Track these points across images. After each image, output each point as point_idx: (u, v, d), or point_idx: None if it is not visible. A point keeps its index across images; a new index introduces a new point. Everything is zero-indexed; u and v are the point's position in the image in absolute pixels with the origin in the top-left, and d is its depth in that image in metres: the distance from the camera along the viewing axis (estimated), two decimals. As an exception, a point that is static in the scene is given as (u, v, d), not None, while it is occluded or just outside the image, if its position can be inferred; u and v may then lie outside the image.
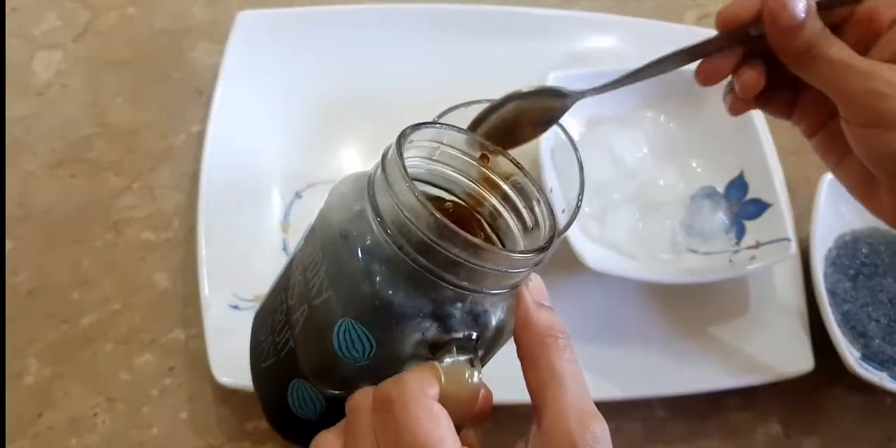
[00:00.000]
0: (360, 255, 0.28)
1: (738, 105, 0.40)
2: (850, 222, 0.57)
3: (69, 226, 0.53)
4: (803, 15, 0.34)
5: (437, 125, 0.31)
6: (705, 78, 0.39)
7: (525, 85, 0.43)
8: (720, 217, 0.54)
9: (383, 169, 0.28)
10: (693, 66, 0.56)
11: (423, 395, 0.27)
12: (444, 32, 0.59)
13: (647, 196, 0.54)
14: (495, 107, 0.42)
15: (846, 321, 0.54)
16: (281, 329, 0.33)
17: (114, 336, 0.50)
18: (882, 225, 0.56)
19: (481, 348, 0.30)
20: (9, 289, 0.51)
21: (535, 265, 0.29)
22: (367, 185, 0.28)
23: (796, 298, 0.54)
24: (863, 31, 0.36)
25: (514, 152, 0.50)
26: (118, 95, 0.57)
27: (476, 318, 0.29)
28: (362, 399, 0.29)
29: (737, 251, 0.53)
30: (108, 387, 0.49)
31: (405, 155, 0.28)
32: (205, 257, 0.50)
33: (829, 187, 0.55)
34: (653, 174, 0.55)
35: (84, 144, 0.55)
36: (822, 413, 0.54)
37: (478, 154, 0.32)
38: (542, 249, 0.28)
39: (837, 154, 0.40)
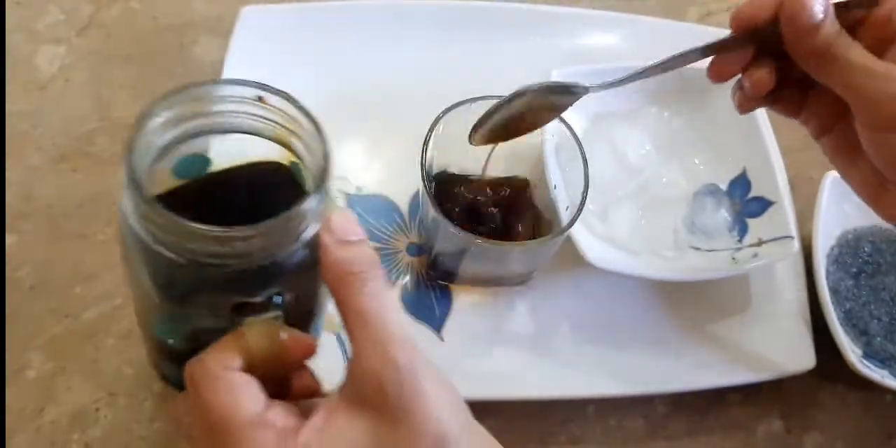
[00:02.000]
0: (131, 248, 0.30)
1: (746, 103, 0.40)
2: (853, 220, 0.57)
3: (72, 220, 0.53)
4: (821, 15, 0.34)
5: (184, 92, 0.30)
6: (716, 75, 0.39)
7: (529, 82, 0.44)
8: (723, 214, 0.54)
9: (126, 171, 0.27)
10: (699, 63, 0.57)
11: (221, 369, 0.29)
12: (448, 29, 0.59)
13: (650, 193, 0.54)
14: (503, 103, 0.42)
15: (848, 319, 0.54)
16: None
17: (116, 330, 0.50)
18: (885, 223, 0.56)
19: (296, 301, 0.31)
20: (11, 283, 0.51)
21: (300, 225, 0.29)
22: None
23: (798, 296, 0.54)
24: (879, 34, 0.35)
25: (519, 147, 0.51)
26: (121, 90, 0.57)
27: (270, 279, 0.30)
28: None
29: (739, 249, 0.53)
30: (110, 381, 0.49)
31: (169, 127, 0.29)
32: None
33: (831, 185, 0.55)
34: (656, 171, 0.55)
35: (87, 139, 0.55)
36: (823, 410, 0.54)
37: (255, 96, 0.30)
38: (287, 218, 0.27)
39: (847, 156, 0.39)
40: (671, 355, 0.52)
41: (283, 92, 0.30)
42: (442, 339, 0.51)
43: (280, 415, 0.29)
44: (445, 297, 0.52)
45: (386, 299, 0.30)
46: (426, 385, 0.29)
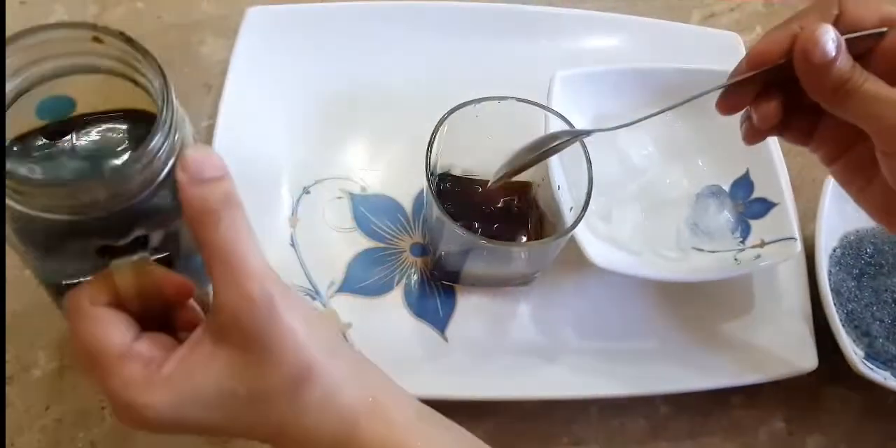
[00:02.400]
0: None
1: (754, 135, 0.40)
2: (855, 222, 0.57)
3: (77, 219, 0.53)
4: (834, 51, 0.34)
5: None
6: (726, 108, 0.39)
7: (532, 84, 0.44)
8: (726, 215, 0.54)
9: None
10: (701, 64, 0.57)
11: (88, 305, 0.31)
12: (453, 30, 0.60)
13: (653, 194, 0.55)
14: (530, 150, 0.43)
15: (850, 320, 0.54)
16: None
17: (121, 329, 0.50)
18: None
19: (166, 240, 0.32)
20: (18, 281, 0.51)
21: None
22: None
23: (800, 297, 0.55)
24: (889, 63, 0.35)
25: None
26: (127, 90, 0.57)
27: (129, 224, 0.30)
28: None
29: (742, 250, 0.53)
30: (115, 380, 0.49)
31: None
32: (213, 252, 0.50)
33: (834, 187, 0.55)
34: (659, 172, 0.55)
35: (92, 138, 0.55)
36: (825, 411, 0.54)
37: (88, 36, 0.31)
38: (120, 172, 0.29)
39: (860, 181, 0.39)
40: (673, 356, 0.52)
41: (117, 31, 0.30)
42: (445, 340, 0.51)
43: (148, 347, 0.31)
44: (449, 298, 0.52)
45: (242, 235, 0.30)
46: (285, 317, 0.30)
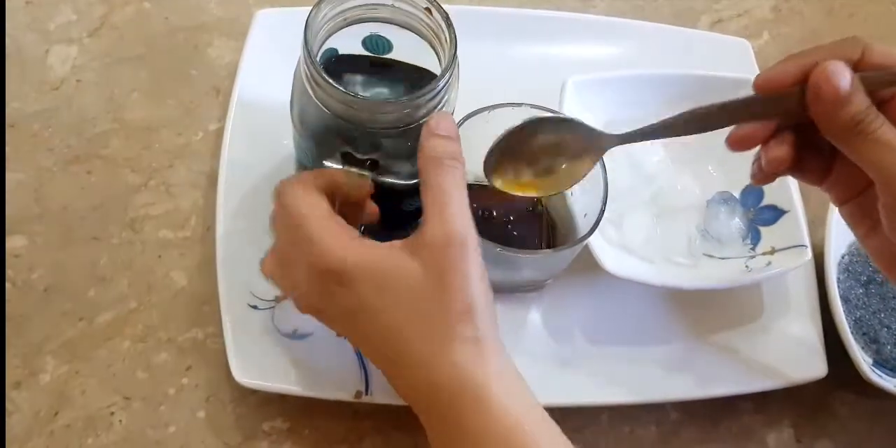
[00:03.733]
0: (296, 89, 0.42)
1: (763, 178, 0.40)
2: (863, 229, 0.57)
3: (86, 223, 0.53)
4: (849, 87, 0.33)
5: None
6: (736, 145, 0.38)
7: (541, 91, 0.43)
8: (736, 222, 0.54)
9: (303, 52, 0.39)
10: (711, 71, 0.57)
11: (310, 180, 0.39)
12: (464, 34, 0.59)
13: (665, 201, 0.55)
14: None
15: (858, 327, 0.54)
16: None
17: (130, 334, 0.50)
18: None
19: (384, 166, 0.42)
20: (25, 286, 0.50)
21: (429, 103, 0.39)
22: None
23: (809, 304, 0.55)
24: None
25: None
26: (134, 91, 0.57)
27: (379, 147, 0.41)
28: None
29: (752, 257, 0.53)
30: (124, 385, 0.49)
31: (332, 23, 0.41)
32: (222, 257, 0.50)
33: (843, 194, 0.55)
34: (670, 179, 0.55)
35: (100, 140, 0.55)
36: (834, 418, 0.54)
37: (425, 7, 0.40)
38: (418, 96, 0.38)
39: (867, 225, 0.39)
40: (683, 363, 0.52)
41: (444, 10, 0.40)
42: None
43: (344, 222, 0.38)
44: (460, 303, 0.52)
45: (459, 188, 0.37)
46: (470, 262, 0.36)
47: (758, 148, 0.39)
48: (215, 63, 0.58)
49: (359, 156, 0.41)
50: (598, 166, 0.47)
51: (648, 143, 0.55)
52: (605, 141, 0.41)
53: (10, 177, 0.53)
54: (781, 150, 0.37)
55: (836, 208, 0.54)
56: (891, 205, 0.35)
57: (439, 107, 0.41)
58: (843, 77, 0.33)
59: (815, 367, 0.52)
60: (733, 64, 0.62)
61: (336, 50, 0.45)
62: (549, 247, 0.51)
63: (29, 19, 0.58)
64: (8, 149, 0.54)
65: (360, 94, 0.39)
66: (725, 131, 0.56)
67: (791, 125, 0.37)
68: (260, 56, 0.56)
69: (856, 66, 0.34)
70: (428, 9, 0.41)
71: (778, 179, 0.54)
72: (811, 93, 0.34)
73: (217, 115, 0.56)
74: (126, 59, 0.58)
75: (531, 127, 0.41)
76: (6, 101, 0.55)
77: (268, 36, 0.56)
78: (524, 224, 0.52)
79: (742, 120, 0.37)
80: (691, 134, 0.39)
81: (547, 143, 0.41)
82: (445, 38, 0.40)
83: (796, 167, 0.38)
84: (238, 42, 0.57)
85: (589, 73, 0.55)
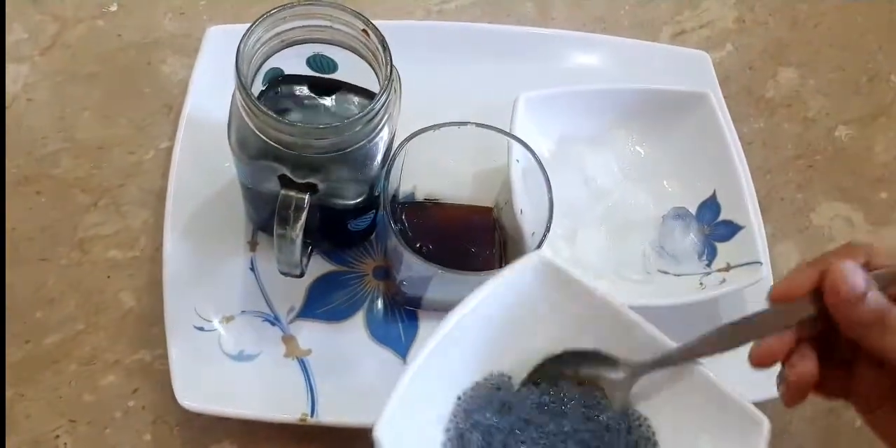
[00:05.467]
0: (233, 114, 0.43)
1: (795, 397, 0.38)
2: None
3: (34, 244, 0.52)
4: (865, 284, 0.33)
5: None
6: (759, 362, 0.37)
7: (497, 108, 0.42)
8: (692, 238, 0.53)
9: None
10: (666, 84, 0.56)
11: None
12: (418, 50, 0.58)
13: (619, 216, 0.54)
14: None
15: (816, 344, 0.54)
16: None
17: (78, 356, 0.50)
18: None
19: (324, 189, 0.42)
20: (-30, 308, 0.50)
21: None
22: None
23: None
24: None
25: (486, 172, 0.51)
26: (86, 110, 0.56)
27: (315, 170, 0.41)
28: None
29: (708, 273, 0.52)
30: (71, 408, 0.48)
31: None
32: (169, 277, 0.49)
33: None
34: (624, 194, 0.55)
35: (50, 160, 0.55)
36: (791, 436, 0.54)
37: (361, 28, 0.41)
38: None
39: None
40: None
41: (380, 32, 0.41)
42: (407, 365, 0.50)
43: None
44: (412, 323, 0.52)
45: None
46: None
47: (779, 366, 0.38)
48: (168, 80, 0.58)
49: (296, 180, 0.41)
50: (543, 183, 0.46)
51: (600, 157, 0.55)
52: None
53: (-41, 197, 0.53)
54: (806, 364, 0.36)
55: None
56: None
57: (378, 128, 0.41)
58: (858, 275, 0.33)
59: (770, 386, 0.51)
60: (693, 76, 0.62)
61: (281, 70, 0.45)
62: (502, 264, 0.50)
63: (-20, 37, 0.58)
64: (-44, 169, 0.53)
65: (292, 120, 0.39)
66: (680, 146, 0.56)
67: (807, 338, 0.37)
68: (212, 73, 0.55)
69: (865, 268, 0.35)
70: (365, 31, 0.41)
71: (734, 193, 0.54)
72: (830, 294, 0.34)
73: (168, 133, 0.56)
74: (78, 78, 0.57)
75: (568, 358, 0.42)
76: (-44, 120, 0.55)
77: (219, 53, 0.56)
78: (479, 240, 0.51)
79: (764, 333, 0.37)
80: (718, 354, 0.39)
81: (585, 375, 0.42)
82: (382, 61, 0.40)
83: (819, 384, 0.37)
84: (191, 59, 0.57)
85: (542, 89, 0.54)
